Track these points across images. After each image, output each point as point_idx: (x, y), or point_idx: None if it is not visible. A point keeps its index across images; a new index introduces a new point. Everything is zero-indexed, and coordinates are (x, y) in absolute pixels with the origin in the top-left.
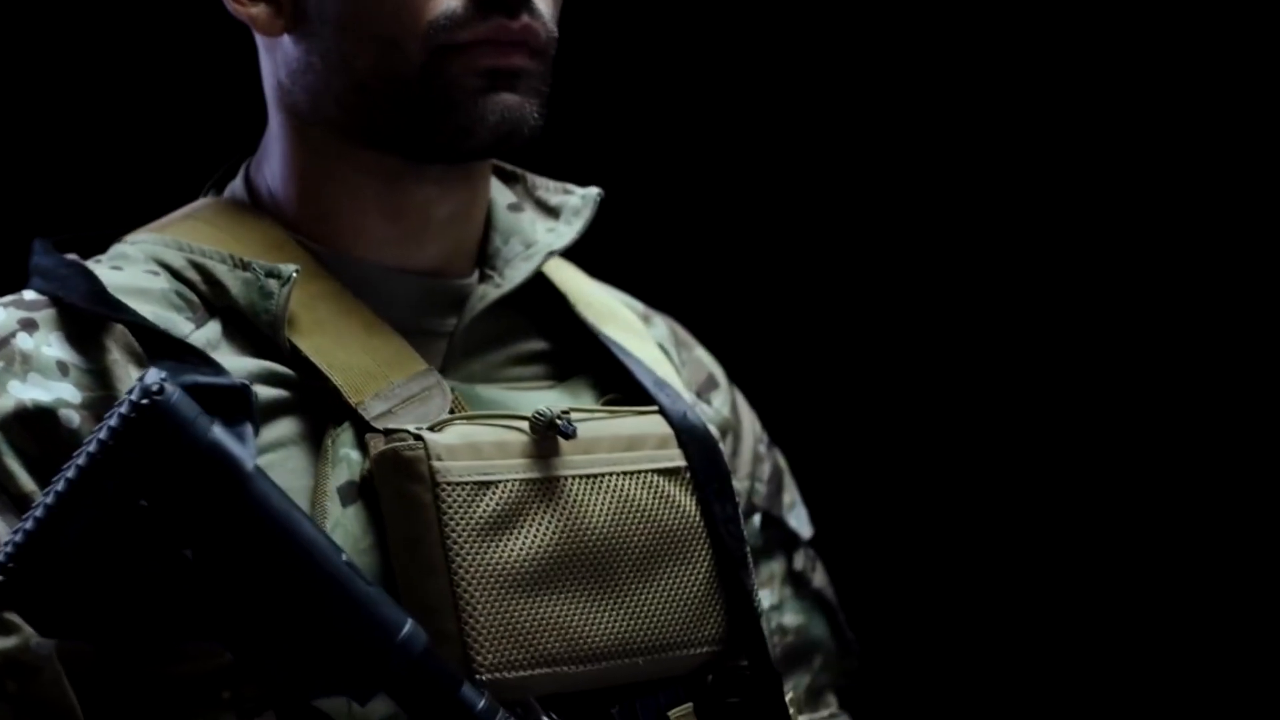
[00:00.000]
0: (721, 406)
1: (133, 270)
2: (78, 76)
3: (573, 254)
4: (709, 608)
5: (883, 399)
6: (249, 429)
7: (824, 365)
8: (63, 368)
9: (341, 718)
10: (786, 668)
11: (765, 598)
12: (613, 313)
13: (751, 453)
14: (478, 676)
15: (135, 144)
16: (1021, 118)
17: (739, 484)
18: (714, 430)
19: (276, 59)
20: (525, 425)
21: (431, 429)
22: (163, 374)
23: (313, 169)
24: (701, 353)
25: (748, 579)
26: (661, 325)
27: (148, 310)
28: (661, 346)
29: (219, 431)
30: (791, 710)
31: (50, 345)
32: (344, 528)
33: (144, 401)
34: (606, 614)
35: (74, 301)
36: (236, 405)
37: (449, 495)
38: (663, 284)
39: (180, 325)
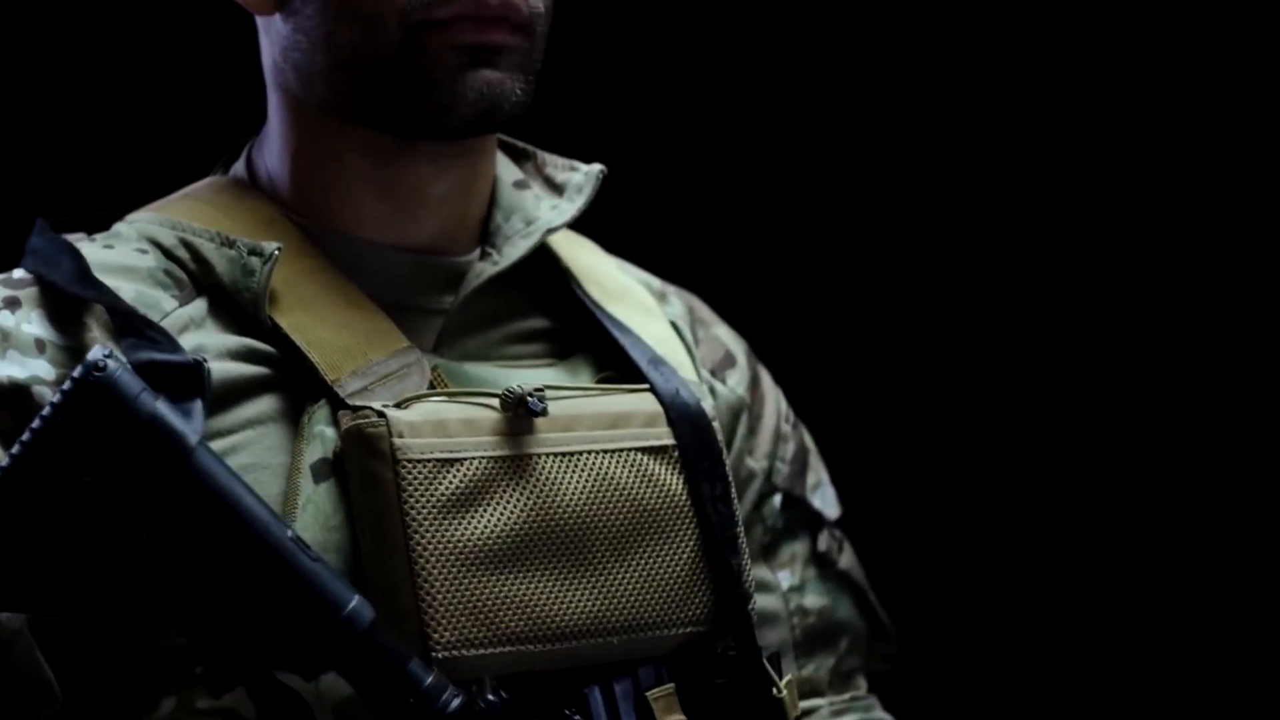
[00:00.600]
0: (737, 385)
1: (123, 249)
2: (93, 58)
3: (600, 230)
4: (693, 588)
5: (916, 379)
6: (198, 405)
7: (855, 344)
8: (40, 345)
9: (308, 692)
10: (808, 649)
11: (785, 579)
12: (623, 290)
13: (773, 432)
14: (434, 654)
15: (152, 127)
16: (1047, 87)
17: (756, 463)
18: (709, 409)
19: (271, 38)
20: (496, 402)
21: (398, 406)
22: (107, 350)
23: (307, 148)
24: (721, 330)
25: (735, 560)
26: (678, 303)
27: (132, 288)
28: (674, 324)
29: (162, 407)
30: (785, 693)
31: (31, 323)
32: (315, 504)
33: (86, 377)
34: (578, 592)
35: (54, 280)
36: (188, 382)
37: (409, 472)
38: (688, 261)
39: (164, 302)
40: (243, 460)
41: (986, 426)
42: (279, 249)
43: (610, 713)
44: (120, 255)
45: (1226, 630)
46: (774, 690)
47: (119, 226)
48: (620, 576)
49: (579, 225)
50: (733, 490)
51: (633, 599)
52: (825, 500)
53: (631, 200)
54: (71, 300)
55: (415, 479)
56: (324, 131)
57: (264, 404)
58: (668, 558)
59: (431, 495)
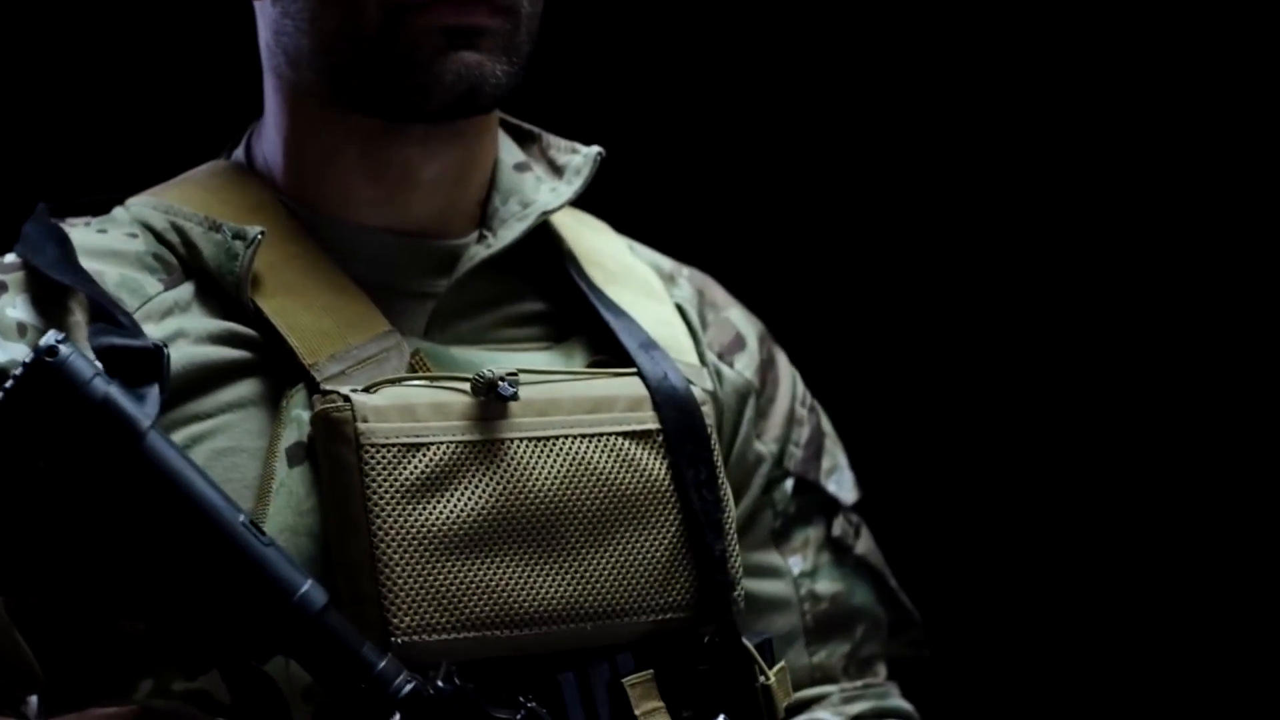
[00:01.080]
0: (745, 369)
1: (115, 233)
2: (106, 44)
3: (617, 212)
4: (673, 573)
5: (937, 363)
6: (154, 390)
7: (875, 327)
8: (21, 329)
9: (279, 675)
10: (820, 636)
11: (796, 564)
12: (626, 272)
13: (785, 415)
14: (394, 639)
15: (162, 113)
16: (1073, 59)
17: (765, 447)
18: (699, 394)
19: (265, 22)
20: (467, 387)
21: (367, 390)
22: (60, 335)
23: (298, 131)
24: (734, 313)
25: (719, 545)
26: (687, 286)
27: (117, 272)
28: (680, 307)
29: (115, 391)
30: (773, 680)
31: (15, 307)
32: (288, 488)
33: (38, 362)
34: (549, 578)
35: (36, 265)
36: (147, 367)
37: (372, 457)
38: (704, 243)
39: (148, 286)
40: (222, 444)
41: (1009, 410)
42: (261, 233)
43: (585, 699)
44: (110, 240)
45: (1246, 605)
46: (760, 678)
47: (117, 211)
48: (596, 561)
49: (595, 207)
50: (720, 475)
51: (609, 584)
52: (841, 485)
53: (649, 182)
54: (56, 285)
55: (378, 464)
56: (315, 115)
57: (244, 388)
58: (647, 543)
59: (395, 480)
